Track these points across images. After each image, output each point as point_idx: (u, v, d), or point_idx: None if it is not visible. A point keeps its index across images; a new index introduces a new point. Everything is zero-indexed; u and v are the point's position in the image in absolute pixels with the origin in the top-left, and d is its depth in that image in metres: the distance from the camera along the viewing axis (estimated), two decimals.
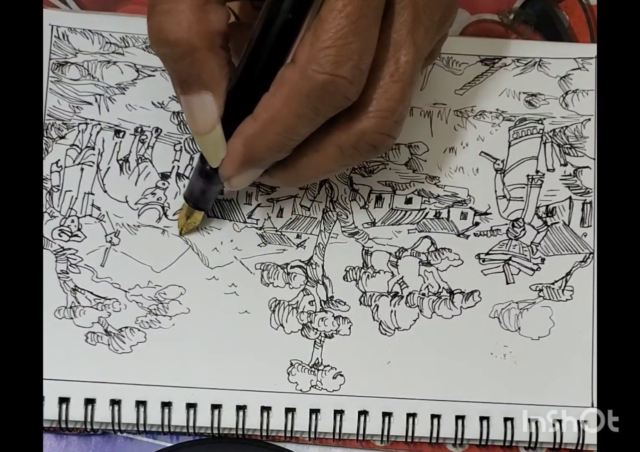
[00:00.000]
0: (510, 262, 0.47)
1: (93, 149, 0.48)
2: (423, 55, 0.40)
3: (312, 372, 0.46)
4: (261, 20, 0.38)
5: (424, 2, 0.39)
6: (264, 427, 0.45)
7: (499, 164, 0.48)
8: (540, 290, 0.47)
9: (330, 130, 0.39)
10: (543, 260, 0.47)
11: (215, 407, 0.45)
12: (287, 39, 0.38)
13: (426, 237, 0.47)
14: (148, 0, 0.39)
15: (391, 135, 0.40)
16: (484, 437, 0.45)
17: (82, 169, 0.47)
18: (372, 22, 0.37)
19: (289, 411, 0.45)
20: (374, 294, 0.46)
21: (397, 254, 0.47)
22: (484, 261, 0.47)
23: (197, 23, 0.38)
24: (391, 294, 0.47)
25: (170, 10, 0.38)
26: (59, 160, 0.47)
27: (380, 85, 0.38)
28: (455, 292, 0.47)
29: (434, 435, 0.45)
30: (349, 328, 0.46)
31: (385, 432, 0.45)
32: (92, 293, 0.46)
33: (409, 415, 0.45)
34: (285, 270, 0.47)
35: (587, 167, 0.48)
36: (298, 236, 0.47)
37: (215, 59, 0.39)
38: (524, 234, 0.47)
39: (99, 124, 0.48)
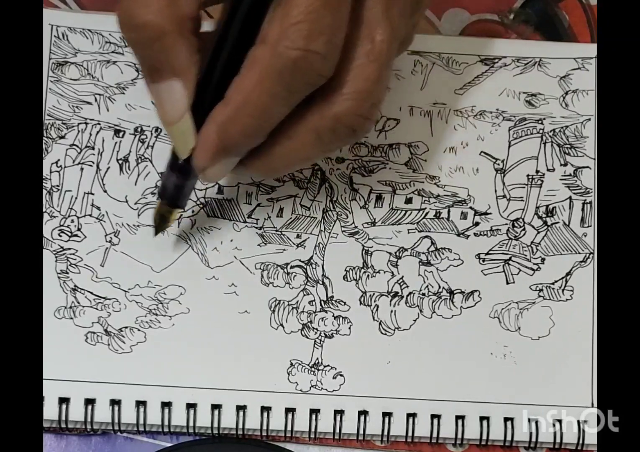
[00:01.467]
0: (510, 262, 0.47)
1: (93, 148, 0.48)
2: (399, 37, 0.39)
3: (312, 372, 0.46)
4: (228, 3, 0.37)
5: None
6: (264, 427, 0.45)
7: (499, 164, 0.48)
8: (540, 290, 0.47)
9: (305, 115, 0.38)
10: (543, 260, 0.47)
11: (215, 407, 0.45)
12: (255, 19, 0.37)
13: (426, 237, 0.47)
14: (98, 5, 0.38)
15: (369, 118, 0.38)
16: (484, 437, 0.45)
17: (81, 169, 0.47)
18: None
19: (289, 411, 0.45)
20: (374, 294, 0.46)
21: (397, 253, 0.47)
22: (484, 260, 0.47)
23: (166, 6, 0.37)
24: (391, 294, 0.47)
25: None
26: (58, 160, 0.47)
27: (356, 66, 0.37)
28: (455, 292, 0.47)
29: (434, 435, 0.45)
30: (349, 328, 0.46)
31: (385, 432, 0.45)
32: (92, 293, 0.46)
33: (409, 415, 0.45)
34: (285, 270, 0.47)
35: (587, 167, 0.48)
36: (298, 236, 0.47)
37: (185, 44, 0.37)
38: (524, 234, 0.47)
39: (99, 124, 0.48)
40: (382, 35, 0.37)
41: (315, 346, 0.46)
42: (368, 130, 0.39)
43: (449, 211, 0.48)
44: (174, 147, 0.41)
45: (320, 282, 0.47)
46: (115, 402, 0.45)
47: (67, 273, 0.46)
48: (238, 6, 0.37)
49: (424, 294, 0.47)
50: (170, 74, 0.38)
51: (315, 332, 0.46)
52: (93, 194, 0.47)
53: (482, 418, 0.45)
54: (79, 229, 0.47)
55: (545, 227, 0.48)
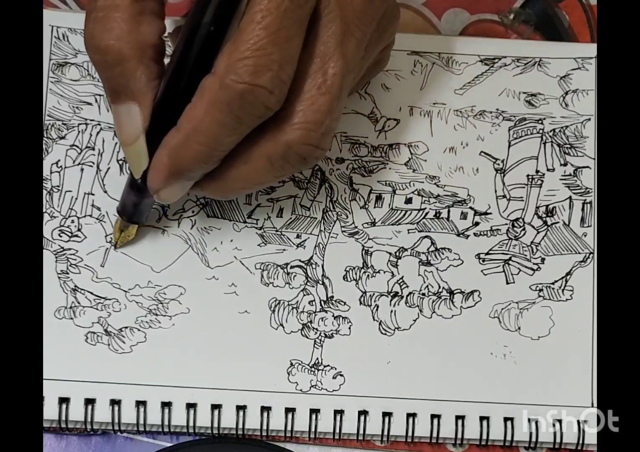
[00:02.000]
0: (510, 262, 0.47)
1: (93, 149, 0.48)
2: (354, 68, 0.40)
3: (312, 372, 0.46)
4: (184, 32, 0.38)
5: (354, 14, 0.39)
6: (264, 427, 0.45)
7: (499, 164, 0.48)
8: (540, 290, 0.47)
9: (258, 141, 0.39)
10: (543, 260, 0.47)
11: (215, 407, 0.45)
12: (210, 51, 0.38)
13: (426, 237, 0.47)
14: (86, 8, 0.39)
15: (319, 147, 0.39)
16: (484, 437, 0.45)
17: (82, 170, 0.47)
18: (293, 33, 0.37)
19: (289, 410, 0.45)
20: (373, 294, 0.46)
21: (397, 254, 0.47)
22: (484, 260, 0.47)
23: (128, 33, 0.38)
24: (391, 294, 0.47)
25: (103, 18, 0.38)
26: (59, 160, 0.47)
27: (307, 98, 0.38)
28: (455, 292, 0.47)
29: (434, 435, 0.45)
30: (349, 328, 0.46)
31: (385, 432, 0.45)
32: (92, 293, 0.46)
33: (409, 415, 0.45)
34: (285, 270, 0.47)
35: (587, 167, 0.48)
36: (298, 236, 0.47)
37: (144, 71, 0.39)
38: (524, 234, 0.47)
39: (99, 125, 0.48)
40: (335, 69, 0.38)
41: (315, 345, 0.46)
42: (319, 158, 0.40)
43: (448, 211, 0.48)
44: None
45: (320, 282, 0.47)
46: (115, 402, 0.45)
47: (68, 273, 0.46)
48: (193, 37, 0.38)
49: (424, 294, 0.47)
50: (128, 97, 0.40)
51: (315, 332, 0.46)
52: (93, 194, 0.47)
53: (482, 418, 0.45)
54: (79, 230, 0.47)
55: (545, 227, 0.48)
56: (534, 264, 0.47)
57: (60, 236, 0.46)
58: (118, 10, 0.38)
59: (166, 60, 0.40)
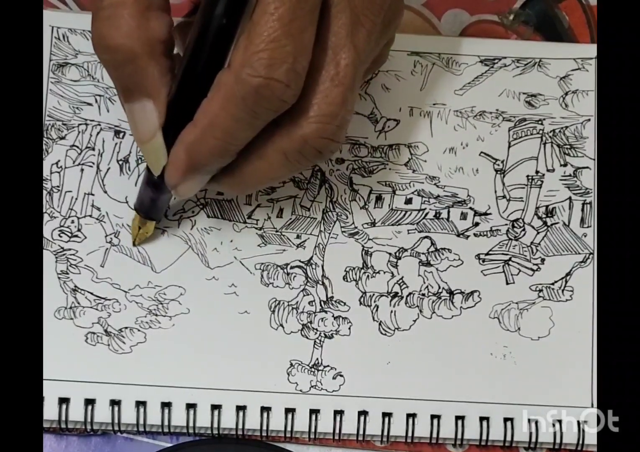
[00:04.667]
0: (510, 262, 0.47)
1: (93, 149, 0.48)
2: (365, 59, 0.40)
3: (312, 373, 0.46)
4: (196, 26, 0.38)
5: (362, 4, 0.39)
6: (264, 427, 0.45)
7: (498, 165, 0.48)
8: (540, 290, 0.47)
9: (273, 136, 0.39)
10: (543, 260, 0.47)
11: (215, 407, 0.45)
12: (223, 44, 0.38)
13: (426, 237, 0.47)
14: (92, 7, 0.39)
15: (334, 140, 0.39)
16: (484, 437, 0.45)
17: (82, 170, 0.47)
18: (306, 24, 0.37)
19: (289, 411, 0.45)
20: (373, 295, 0.46)
21: (397, 254, 0.47)
22: (483, 261, 0.47)
23: (137, 29, 0.38)
24: (391, 295, 0.47)
25: (111, 16, 0.38)
26: (59, 160, 0.47)
27: (321, 90, 0.38)
28: (455, 292, 0.47)
29: (434, 435, 0.45)
30: (349, 328, 0.46)
31: (385, 433, 0.45)
32: (92, 293, 0.46)
33: (408, 415, 0.45)
34: (285, 270, 0.47)
35: (587, 167, 0.48)
36: (298, 236, 0.47)
37: (156, 66, 0.39)
38: (524, 235, 0.47)
39: (99, 125, 0.48)
40: (347, 60, 0.38)
41: (315, 346, 0.46)
42: (334, 151, 0.40)
43: (448, 212, 0.48)
44: (147, 164, 0.42)
45: (320, 282, 0.47)
46: (115, 403, 0.45)
47: (68, 274, 0.46)
48: (206, 31, 0.38)
49: (423, 295, 0.47)
50: (142, 95, 0.39)
51: (315, 333, 0.46)
52: (93, 194, 0.47)
53: (482, 418, 0.45)
54: (79, 230, 0.47)
55: (545, 227, 0.48)
56: (533, 264, 0.47)
57: (60, 236, 0.46)
58: (125, 7, 0.38)
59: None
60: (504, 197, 0.48)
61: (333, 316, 0.46)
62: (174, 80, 0.39)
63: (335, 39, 0.38)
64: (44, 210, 0.47)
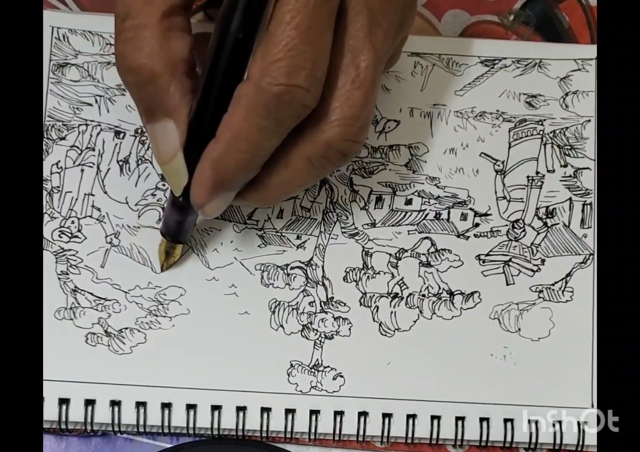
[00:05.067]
0: (510, 263, 0.47)
1: (93, 150, 0.48)
2: (384, 59, 0.40)
3: (312, 373, 0.46)
4: (213, 42, 0.38)
5: (379, 5, 0.39)
6: (264, 428, 0.45)
7: (499, 165, 0.48)
8: (540, 291, 0.47)
9: (296, 143, 0.39)
10: (543, 261, 0.47)
11: (215, 408, 0.45)
12: (241, 58, 0.38)
13: (426, 238, 0.47)
14: (115, 29, 0.39)
15: (357, 141, 0.39)
16: (484, 438, 0.45)
17: (82, 170, 0.47)
18: (324, 29, 0.37)
19: (289, 412, 0.45)
20: (374, 295, 0.46)
21: (397, 255, 0.47)
22: (484, 262, 0.47)
23: (159, 50, 0.38)
24: (391, 295, 0.47)
25: (133, 38, 0.38)
26: (59, 161, 0.47)
27: (342, 93, 0.38)
28: (455, 293, 0.47)
29: (434, 436, 0.45)
30: (349, 329, 0.46)
31: (385, 433, 0.45)
32: (92, 294, 0.46)
33: (409, 416, 0.45)
34: (285, 271, 0.47)
35: (587, 168, 0.48)
36: (298, 237, 0.47)
37: (177, 86, 0.39)
38: (524, 235, 0.47)
39: (99, 125, 0.48)
40: (367, 62, 0.38)
41: (315, 347, 0.46)
42: (357, 152, 0.40)
43: (449, 212, 0.48)
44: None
45: (321, 283, 0.47)
46: (115, 403, 0.45)
47: (68, 274, 0.46)
48: (222, 46, 0.38)
49: (424, 295, 0.47)
50: (163, 115, 0.39)
51: (315, 333, 0.46)
52: (93, 195, 0.47)
53: (482, 419, 0.45)
54: (79, 230, 0.47)
55: (546, 228, 0.48)
56: (534, 265, 0.47)
57: (61, 237, 0.46)
58: (146, 29, 0.38)
59: None
60: (504, 197, 0.48)
61: (333, 316, 0.46)
62: (194, 99, 0.39)
63: (354, 41, 0.38)
64: (44, 211, 0.47)
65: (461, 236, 0.47)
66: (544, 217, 0.48)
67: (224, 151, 0.39)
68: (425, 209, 0.48)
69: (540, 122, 0.49)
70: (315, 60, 0.36)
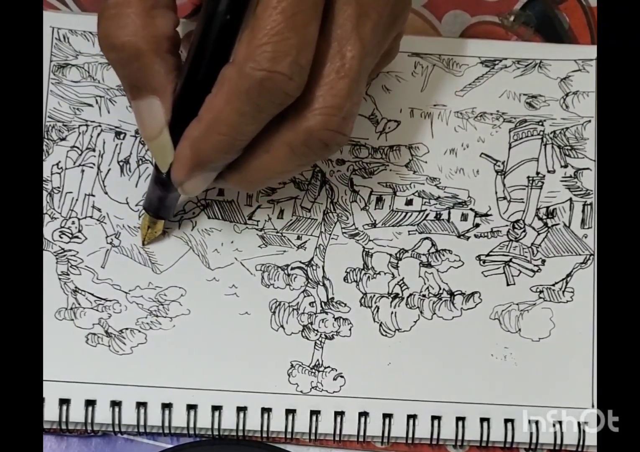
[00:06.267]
0: (510, 263, 0.47)
1: (94, 150, 0.48)
2: (372, 51, 0.39)
3: (312, 374, 0.46)
4: (200, 23, 0.38)
5: None
6: (265, 428, 0.45)
7: (499, 166, 0.48)
8: (541, 291, 0.47)
9: (278, 129, 0.39)
10: (543, 261, 0.47)
11: (216, 408, 0.45)
12: (227, 40, 0.38)
13: (427, 238, 0.47)
14: (98, 7, 0.39)
15: (340, 132, 0.39)
16: (485, 438, 0.45)
17: (82, 171, 0.47)
18: (310, 17, 0.36)
19: (290, 412, 0.45)
20: (374, 296, 0.47)
21: (398, 255, 0.47)
22: (484, 262, 0.47)
23: (142, 27, 0.38)
24: (392, 296, 0.47)
25: (116, 15, 0.38)
26: (59, 162, 0.47)
27: (326, 82, 0.38)
28: (455, 293, 0.47)
29: (435, 436, 0.45)
30: (350, 329, 0.46)
31: (386, 434, 0.45)
32: (92, 294, 0.46)
33: (409, 416, 0.45)
34: (286, 271, 0.47)
35: (588, 168, 0.48)
36: (298, 237, 0.47)
37: (161, 64, 0.39)
38: (525, 236, 0.47)
39: (100, 126, 0.48)
40: (352, 52, 0.38)
41: (316, 347, 0.46)
42: (341, 143, 0.40)
43: (449, 213, 0.48)
44: (155, 162, 0.42)
45: (321, 283, 0.47)
46: (115, 404, 0.45)
47: (68, 275, 0.46)
48: (209, 27, 0.38)
49: (424, 296, 0.47)
50: (148, 92, 0.40)
51: (316, 334, 0.46)
52: (94, 195, 0.47)
53: (482, 419, 0.45)
54: (79, 231, 0.47)
55: (546, 228, 0.48)
56: (534, 265, 0.47)
57: (61, 237, 0.47)
58: (130, 6, 0.38)
59: None
60: (504, 198, 0.48)
61: (334, 317, 0.46)
62: (180, 77, 0.39)
63: (341, 31, 0.38)
64: (44, 212, 0.47)
65: (461, 236, 0.47)
66: (545, 217, 0.48)
67: (203, 132, 0.38)
68: (425, 210, 0.48)
69: (540, 123, 0.49)
70: (300, 48, 0.36)
